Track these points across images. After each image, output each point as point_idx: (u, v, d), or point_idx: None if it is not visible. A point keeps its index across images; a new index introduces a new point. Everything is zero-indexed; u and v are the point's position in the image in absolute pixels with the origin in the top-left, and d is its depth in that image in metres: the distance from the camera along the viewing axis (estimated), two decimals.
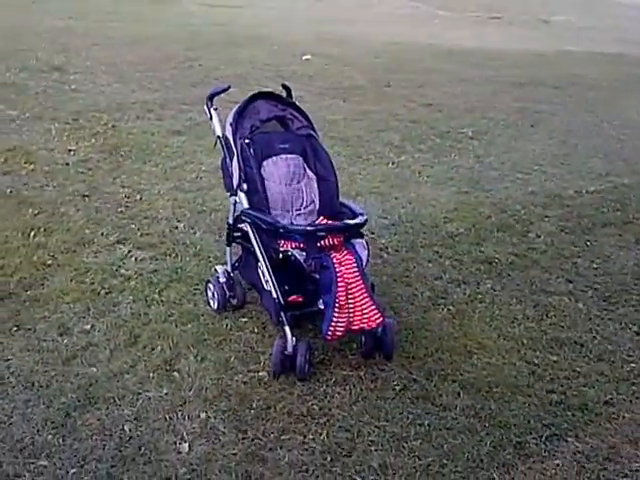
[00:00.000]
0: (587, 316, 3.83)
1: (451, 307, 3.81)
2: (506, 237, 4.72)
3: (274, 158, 3.54)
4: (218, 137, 3.54)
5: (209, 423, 2.78)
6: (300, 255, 3.19)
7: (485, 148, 6.61)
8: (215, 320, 3.50)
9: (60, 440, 2.64)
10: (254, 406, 2.90)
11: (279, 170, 3.55)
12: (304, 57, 9.70)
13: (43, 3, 13.08)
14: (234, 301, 3.60)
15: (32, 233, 4.24)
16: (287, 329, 3.16)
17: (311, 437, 2.75)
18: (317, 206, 3.63)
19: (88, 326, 3.40)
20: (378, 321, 3.15)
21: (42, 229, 4.31)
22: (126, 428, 2.72)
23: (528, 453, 2.78)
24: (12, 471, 2.48)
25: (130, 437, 2.68)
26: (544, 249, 4.62)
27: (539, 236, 4.80)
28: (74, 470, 2.51)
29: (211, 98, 3.57)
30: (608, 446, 2.87)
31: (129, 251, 4.14)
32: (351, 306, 3.10)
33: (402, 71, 9.78)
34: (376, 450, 2.71)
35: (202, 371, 3.10)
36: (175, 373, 3.09)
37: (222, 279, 3.61)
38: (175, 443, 2.67)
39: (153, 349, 3.24)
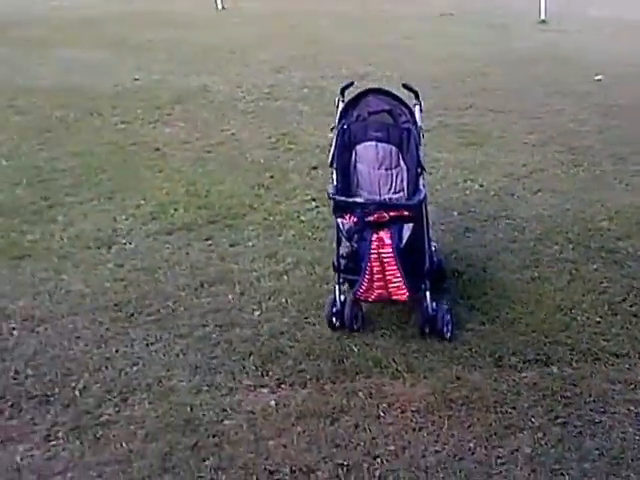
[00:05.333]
0: None
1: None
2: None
3: (366, 144, 4.30)
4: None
5: None
6: (347, 227, 4.05)
7: None
8: None
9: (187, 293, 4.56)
10: None
11: (368, 154, 4.31)
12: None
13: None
14: None
15: (257, 187, 6.26)
16: (336, 287, 4.21)
17: None
18: (405, 194, 4.33)
19: (250, 243, 5.27)
20: (404, 295, 4.00)
21: (266, 186, 6.30)
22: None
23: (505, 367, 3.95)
24: None
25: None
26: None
27: None
28: None
29: (342, 91, 4.42)
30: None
31: (316, 206, 5.91)
32: (381, 277, 3.94)
33: None
34: None
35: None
36: (285, 277, 4.81)
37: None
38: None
39: (280, 262, 4.97)
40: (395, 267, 3.95)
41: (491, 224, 5.62)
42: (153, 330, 4.17)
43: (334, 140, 4.28)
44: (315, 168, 6.70)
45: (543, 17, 15.21)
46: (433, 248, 4.42)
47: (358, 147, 4.32)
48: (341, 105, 4.36)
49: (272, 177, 6.46)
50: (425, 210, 4.23)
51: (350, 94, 4.35)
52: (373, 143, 4.31)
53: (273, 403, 3.61)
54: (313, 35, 13.40)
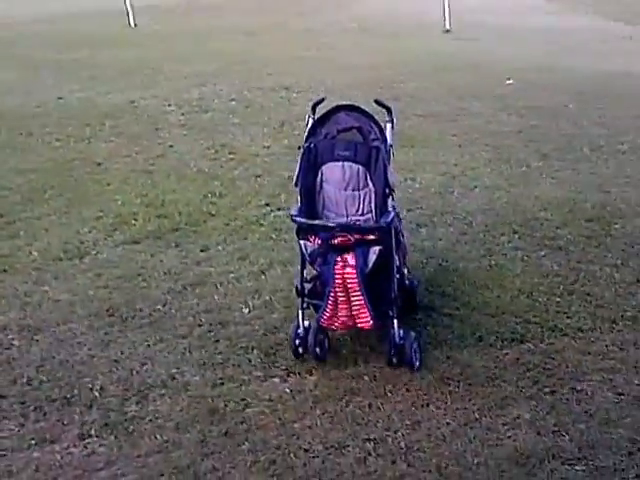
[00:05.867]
0: (620, 282, 4.97)
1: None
2: (590, 226, 5.94)
3: (332, 164, 4.14)
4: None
5: None
6: (310, 249, 3.94)
7: (632, 160, 7.69)
8: None
9: (172, 296, 4.70)
10: None
11: (335, 175, 4.16)
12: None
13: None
14: None
15: (210, 195, 6.42)
16: (300, 313, 4.08)
17: None
18: (373, 216, 4.18)
19: (219, 247, 5.44)
20: (368, 323, 3.85)
21: (217, 194, 6.48)
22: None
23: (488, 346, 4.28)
24: None
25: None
26: (619, 236, 5.82)
27: (623, 227, 5.96)
28: None
29: (314, 108, 4.25)
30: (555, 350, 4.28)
31: (271, 210, 6.13)
32: (345, 303, 3.82)
33: None
34: None
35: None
36: (263, 277, 5.02)
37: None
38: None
39: (254, 263, 5.18)
40: (359, 293, 3.81)
41: (439, 219, 5.97)
42: (151, 332, 4.30)
43: (299, 159, 4.13)
44: (259, 176, 6.91)
45: (447, 27, 15.86)
46: (405, 271, 4.34)
47: (324, 167, 4.17)
48: (310, 122, 4.22)
49: (221, 185, 6.62)
50: (395, 233, 4.08)
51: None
52: (339, 163, 4.15)
53: (288, 390, 3.81)
54: (233, 49, 13.59)
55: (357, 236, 3.87)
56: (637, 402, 3.80)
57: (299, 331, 4.08)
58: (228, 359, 4.08)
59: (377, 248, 3.88)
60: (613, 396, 3.86)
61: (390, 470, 3.32)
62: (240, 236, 5.61)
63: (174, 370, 3.96)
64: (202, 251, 5.36)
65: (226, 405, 3.67)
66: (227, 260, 5.21)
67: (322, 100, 4.29)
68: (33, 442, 3.42)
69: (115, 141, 7.97)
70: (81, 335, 4.28)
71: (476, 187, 6.71)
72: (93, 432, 3.48)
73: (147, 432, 3.49)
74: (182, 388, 3.81)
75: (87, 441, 3.43)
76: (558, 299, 4.77)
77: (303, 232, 3.99)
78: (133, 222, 5.80)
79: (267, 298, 4.72)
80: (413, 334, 4.09)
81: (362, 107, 4.15)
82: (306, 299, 4.11)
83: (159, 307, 4.58)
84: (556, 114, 9.20)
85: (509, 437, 3.55)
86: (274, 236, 5.61)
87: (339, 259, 3.83)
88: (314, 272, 4.12)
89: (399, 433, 3.55)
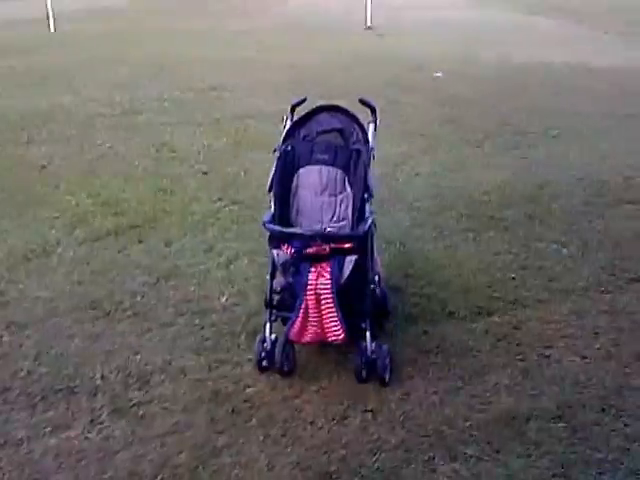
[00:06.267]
0: (562, 258, 5.35)
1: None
2: (530, 206, 6.36)
3: (310, 167, 3.99)
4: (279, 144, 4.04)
5: None
6: (282, 259, 3.73)
7: (561, 144, 8.18)
8: None
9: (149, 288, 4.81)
10: None
11: (312, 179, 4.00)
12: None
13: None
14: None
15: (161, 193, 6.51)
16: (267, 325, 3.89)
17: None
18: (350, 223, 3.99)
19: (182, 241, 5.56)
20: (341, 336, 3.63)
21: (168, 191, 6.57)
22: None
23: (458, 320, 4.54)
24: None
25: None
26: (558, 215, 6.24)
27: (560, 207, 6.40)
28: None
29: (292, 109, 4.09)
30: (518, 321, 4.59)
31: (225, 205, 6.27)
32: (317, 315, 3.62)
33: None
34: None
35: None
36: (232, 267, 5.17)
37: None
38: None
39: (220, 255, 5.33)
40: (332, 305, 3.61)
41: (390, 205, 6.24)
42: (137, 322, 4.41)
43: (275, 163, 3.96)
44: (206, 173, 7.04)
45: (369, 24, 16.21)
46: (376, 278, 4.10)
47: (301, 171, 4.02)
48: (289, 124, 4.07)
49: (170, 182, 6.71)
50: (371, 240, 3.92)
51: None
52: (317, 167, 4.00)
53: None
54: (161, 51, 13.45)
55: (333, 245, 3.67)
56: (600, 364, 4.14)
57: (265, 344, 3.90)
58: (218, 344, 4.22)
59: (353, 258, 3.69)
60: (579, 360, 4.19)
61: (392, 436, 3.54)
62: (200, 230, 5.73)
63: (168, 357, 4.08)
64: (166, 245, 5.45)
65: (226, 387, 3.82)
66: (193, 253, 5.33)
67: (302, 101, 4.12)
68: (47, 430, 3.48)
69: (54, 144, 7.92)
70: (69, 329, 4.33)
71: (418, 174, 7.02)
72: (104, 418, 3.57)
73: (157, 415, 3.61)
74: (180, 373, 3.94)
75: (100, 426, 3.51)
76: (513, 275, 5.10)
77: (276, 240, 3.79)
78: (91, 221, 5.85)
79: (240, 287, 4.87)
80: (386, 348, 3.91)
81: (345, 108, 4.01)
82: (274, 311, 3.92)
83: (138, 299, 4.67)
84: (483, 104, 9.65)
85: (492, 402, 3.82)
86: (234, 228, 5.77)
87: (313, 269, 3.64)
88: (282, 282, 3.92)
89: (392, 404, 3.77)
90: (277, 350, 3.87)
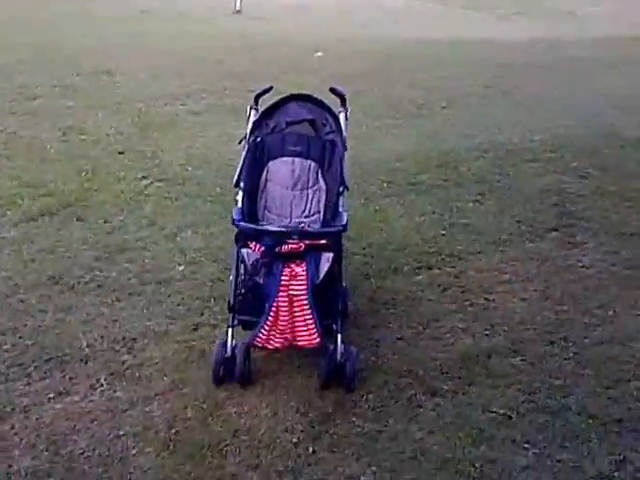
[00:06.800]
0: (483, 214, 5.83)
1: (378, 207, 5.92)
2: (442, 170, 6.79)
3: (281, 159, 3.81)
4: (245, 135, 3.87)
5: None
6: (253, 258, 3.49)
7: (453, 114, 8.71)
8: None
9: (104, 262, 4.87)
10: None
11: (282, 172, 3.83)
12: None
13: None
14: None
15: (84, 173, 6.51)
16: (229, 331, 3.58)
17: None
18: (321, 218, 3.82)
19: (120, 217, 5.62)
20: (314, 340, 3.38)
21: (90, 171, 6.57)
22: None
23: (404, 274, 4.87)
24: None
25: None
26: (469, 177, 6.69)
27: (469, 169, 6.87)
28: None
29: (256, 98, 3.95)
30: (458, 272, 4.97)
31: (151, 182, 6.34)
32: (288, 319, 3.39)
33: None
34: None
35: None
36: (178, 239, 5.29)
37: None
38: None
39: (163, 228, 5.44)
40: (307, 307, 3.38)
41: None
42: (104, 294, 4.48)
43: (243, 156, 3.78)
44: (122, 153, 7.06)
45: (238, 8, 16.27)
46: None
47: (271, 163, 3.86)
48: (253, 114, 3.91)
49: (88, 164, 6.69)
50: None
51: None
52: (289, 159, 3.84)
53: None
54: (43, 36, 12.92)
55: (308, 241, 3.45)
56: (539, 304, 4.58)
57: (226, 354, 3.59)
58: (190, 309, 4.37)
59: (330, 255, 3.51)
60: (519, 302, 4.62)
61: (374, 379, 3.83)
62: (135, 207, 5.80)
63: (146, 323, 4.20)
64: (106, 222, 5.50)
65: (211, 347, 3.91)
66: (137, 228, 5.41)
67: (268, 90, 3.98)
68: (50, 396, 3.55)
69: None
70: (38, 304, 4.35)
71: None
72: (103, 381, 3.67)
73: (153, 376, 3.74)
74: (163, 336, 4.07)
75: (101, 389, 3.62)
76: (443, 231, 5.50)
77: (243, 238, 3.57)
78: (20, 202, 5.78)
79: (193, 256, 5.01)
80: (355, 351, 3.70)
81: (315, 97, 3.88)
82: (238, 316, 3.64)
83: (97, 272, 4.74)
84: (364, 78, 10.01)
85: (453, 343, 4.20)
86: (169, 204, 5.88)
87: (286, 269, 3.41)
88: (246, 284, 3.69)
89: (367, 350, 4.04)
90: (239, 359, 3.56)
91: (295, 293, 3.38)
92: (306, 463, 3.22)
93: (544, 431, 3.46)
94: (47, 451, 3.22)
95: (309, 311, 3.38)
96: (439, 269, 4.99)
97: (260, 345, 3.47)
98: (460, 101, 9.25)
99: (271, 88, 3.98)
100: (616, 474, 3.22)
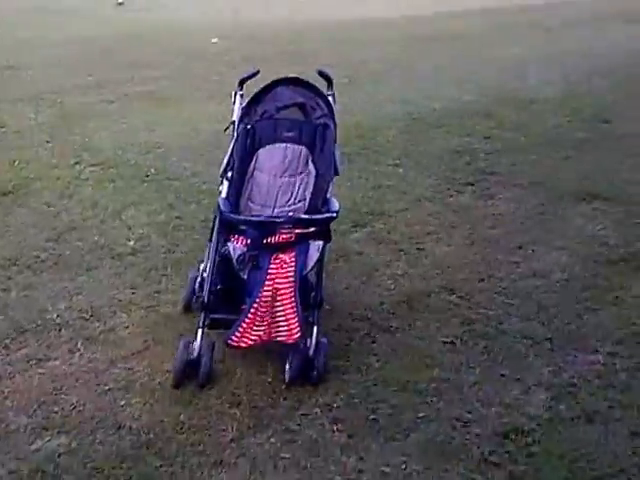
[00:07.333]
0: (404, 176, 6.23)
1: None
2: (360, 141, 7.11)
3: (272, 146, 3.60)
4: (232, 122, 3.68)
5: None
6: (239, 251, 3.33)
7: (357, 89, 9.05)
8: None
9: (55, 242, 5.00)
10: None
11: (273, 160, 3.62)
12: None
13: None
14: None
15: (16, 163, 6.56)
16: (200, 331, 3.36)
17: None
18: (306, 205, 3.65)
19: (65, 201, 5.74)
20: (295, 335, 3.22)
21: (23, 160, 6.63)
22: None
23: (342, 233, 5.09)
24: None
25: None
26: (385, 144, 7.06)
27: (384, 138, 7.23)
28: None
29: (241, 83, 3.75)
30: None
31: (84, 167, 6.46)
32: (274, 315, 3.24)
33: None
34: None
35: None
36: (123, 217, 5.46)
37: (192, 275, 3.99)
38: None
39: (106, 208, 5.59)
40: (292, 300, 3.25)
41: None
42: (65, 270, 4.62)
43: (232, 144, 3.61)
44: (49, 142, 7.14)
45: (119, 0, 16.23)
46: None
47: (261, 151, 3.64)
48: (239, 100, 3.73)
49: (18, 153, 6.73)
50: None
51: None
52: (282, 145, 3.64)
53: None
54: None
55: (298, 230, 3.31)
56: (466, 249, 5.03)
57: (192, 356, 3.40)
58: (147, 279, 4.55)
59: (320, 243, 3.41)
60: (447, 248, 5.06)
61: (330, 322, 4.04)
62: (74, 190, 5.92)
63: (110, 293, 4.36)
64: (49, 207, 5.60)
65: (176, 310, 4.14)
66: (80, 209, 5.54)
67: (254, 74, 3.79)
68: (32, 363, 3.68)
69: None
70: (1, 284, 4.47)
71: None
72: (80, 346, 3.83)
73: (126, 338, 3.92)
74: (128, 304, 4.24)
75: (79, 353, 3.76)
76: (370, 193, 5.87)
77: (227, 231, 3.43)
78: None
79: (140, 231, 5.19)
80: (325, 342, 3.53)
81: (305, 79, 3.72)
82: (211, 315, 3.47)
83: (51, 252, 4.85)
84: (280, 60, 10.26)
85: (395, 287, 4.58)
86: (107, 185, 6.04)
87: (274, 261, 3.29)
88: (225, 282, 3.51)
89: (339, 299, 4.36)
90: (204, 361, 3.40)
91: (280, 286, 3.25)
92: (282, 397, 3.47)
93: (486, 354, 3.84)
94: (40, 409, 3.36)
95: (293, 304, 3.24)
96: (372, 226, 5.32)
97: (235, 345, 3.32)
98: (363, 77, 9.61)
99: (258, 72, 3.77)
100: (554, 381, 3.60)
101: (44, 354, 3.79)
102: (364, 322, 4.13)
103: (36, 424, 3.28)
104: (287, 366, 3.42)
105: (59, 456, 3.10)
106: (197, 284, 3.85)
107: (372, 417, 3.36)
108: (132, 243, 5.00)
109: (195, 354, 3.38)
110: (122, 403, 3.44)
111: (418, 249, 5.00)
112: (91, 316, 4.14)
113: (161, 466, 3.07)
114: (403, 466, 3.07)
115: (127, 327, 4.04)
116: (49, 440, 3.19)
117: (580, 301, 4.35)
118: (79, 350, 3.83)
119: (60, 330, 4.00)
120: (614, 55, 11.26)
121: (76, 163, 6.54)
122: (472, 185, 6.00)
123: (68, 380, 3.60)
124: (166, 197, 5.79)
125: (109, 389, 3.54)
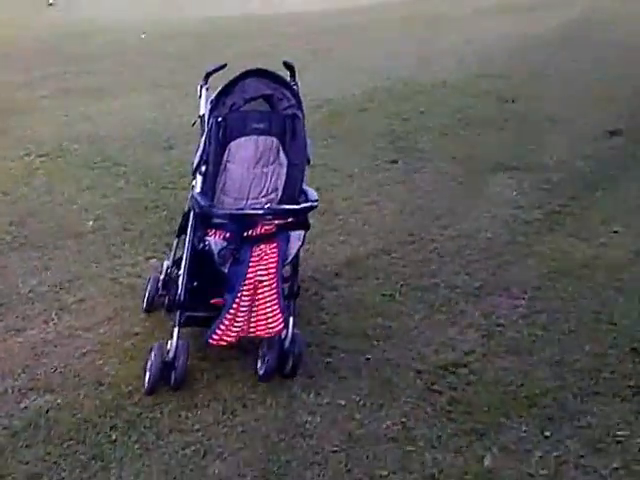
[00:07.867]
0: (338, 154, 6.59)
1: None
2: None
3: (243, 139, 3.53)
4: (200, 116, 3.61)
5: None
6: (219, 246, 3.26)
7: None
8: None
9: (18, 226, 5.21)
10: None
11: (245, 152, 3.56)
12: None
13: None
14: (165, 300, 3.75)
15: None
16: (176, 331, 3.28)
17: None
18: (279, 195, 3.62)
19: (19, 189, 5.93)
20: (277, 328, 3.19)
21: None
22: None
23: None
24: None
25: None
26: (314, 128, 7.19)
27: (310, 122, 7.45)
28: None
29: (207, 76, 3.69)
30: None
31: (34, 158, 6.61)
32: (254, 309, 3.18)
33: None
34: None
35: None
36: (79, 201, 5.69)
37: (157, 274, 4.01)
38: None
39: (62, 194, 5.80)
40: (274, 293, 3.22)
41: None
42: (30, 250, 4.84)
43: (203, 138, 3.54)
44: None
45: (51, 1, 16.11)
46: None
47: (233, 143, 3.56)
48: (205, 93, 3.67)
49: None
50: None
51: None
52: (252, 137, 3.56)
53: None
54: None
55: (278, 222, 3.29)
56: (398, 217, 5.52)
57: (167, 358, 3.32)
58: (109, 253, 4.83)
59: (301, 233, 3.41)
60: (382, 217, 5.55)
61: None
62: (28, 179, 6.10)
63: (76, 269, 4.62)
64: (6, 195, 5.77)
65: (142, 282, 4.33)
66: (37, 195, 5.75)
67: (221, 67, 3.73)
68: (11, 333, 3.93)
69: None
70: None
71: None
72: (54, 316, 4.08)
73: (96, 306, 4.19)
74: (94, 277, 4.51)
75: (54, 322, 4.02)
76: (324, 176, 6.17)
77: (205, 225, 3.38)
78: None
79: (97, 212, 5.44)
80: (302, 337, 3.51)
81: (272, 71, 3.63)
82: (188, 313, 3.39)
83: (16, 234, 5.05)
84: (186, 56, 10.48)
85: (337, 252, 4.96)
86: (59, 173, 6.24)
87: (255, 253, 3.26)
88: (200, 278, 3.44)
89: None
90: (180, 362, 3.32)
91: (262, 278, 3.22)
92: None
93: (422, 302, 4.27)
94: (24, 373, 3.61)
95: (275, 297, 3.22)
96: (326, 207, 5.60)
97: (215, 343, 3.26)
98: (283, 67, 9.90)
99: (225, 65, 3.71)
100: (484, 322, 4.05)
101: (21, 325, 4.03)
102: (312, 282, 4.47)
103: (22, 386, 3.53)
104: (259, 361, 3.46)
105: (47, 411, 3.36)
106: (160, 283, 3.96)
107: (327, 360, 3.73)
108: (91, 223, 5.26)
109: (171, 355, 3.31)
110: (100, 362, 3.72)
111: (356, 219, 5.37)
112: (61, 289, 4.39)
113: (142, 413, 3.35)
114: (357, 398, 3.43)
115: (96, 298, 4.29)
116: (36, 399, 3.44)
117: (503, 255, 4.81)
118: (53, 320, 4.07)
119: (34, 303, 4.24)
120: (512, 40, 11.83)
121: (26, 155, 6.69)
122: (396, 163, 6.41)
123: (47, 346, 3.85)
124: (116, 182, 6.03)
125: (86, 352, 3.80)
